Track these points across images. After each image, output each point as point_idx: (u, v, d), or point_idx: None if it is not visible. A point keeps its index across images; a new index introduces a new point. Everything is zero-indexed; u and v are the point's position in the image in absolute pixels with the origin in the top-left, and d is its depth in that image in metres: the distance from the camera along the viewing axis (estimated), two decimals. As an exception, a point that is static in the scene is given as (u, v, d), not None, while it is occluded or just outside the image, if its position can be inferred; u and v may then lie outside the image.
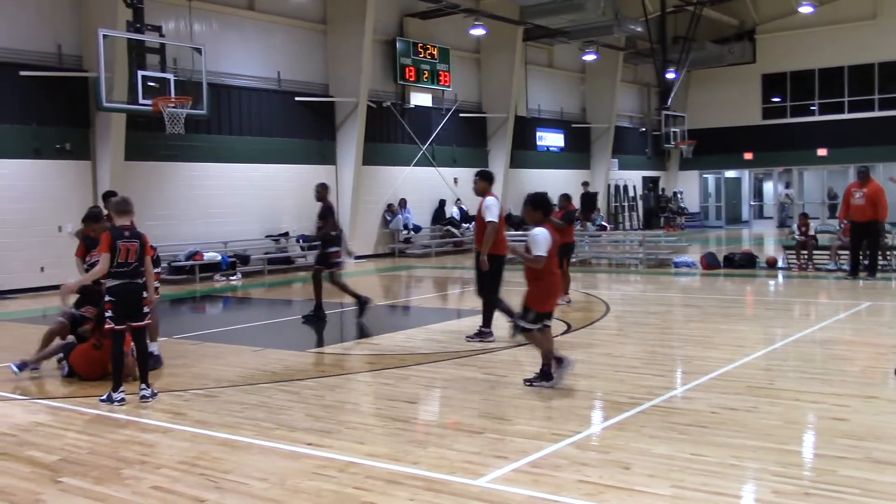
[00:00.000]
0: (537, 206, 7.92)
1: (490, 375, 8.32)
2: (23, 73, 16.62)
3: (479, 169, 10.45)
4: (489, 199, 9.98)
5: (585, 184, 30.99)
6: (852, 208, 15.69)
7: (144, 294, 7.74)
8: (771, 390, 7.30)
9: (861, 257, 16.02)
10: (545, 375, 7.67)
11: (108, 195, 10.56)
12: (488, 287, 10.15)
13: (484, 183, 10.23)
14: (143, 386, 7.68)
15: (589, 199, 30.63)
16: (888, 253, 16.96)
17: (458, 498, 4.91)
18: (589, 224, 28.03)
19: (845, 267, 16.38)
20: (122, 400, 7.52)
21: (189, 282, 18.48)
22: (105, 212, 9.33)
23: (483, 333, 10.20)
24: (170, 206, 19.14)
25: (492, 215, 9.85)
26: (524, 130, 30.59)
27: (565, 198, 14.44)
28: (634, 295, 15.46)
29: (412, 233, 25.00)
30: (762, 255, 19.23)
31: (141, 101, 15.52)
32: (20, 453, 6.09)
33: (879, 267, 16.10)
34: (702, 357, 8.94)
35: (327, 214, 12.15)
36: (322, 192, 12.41)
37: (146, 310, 7.74)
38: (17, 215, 16.27)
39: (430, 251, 24.76)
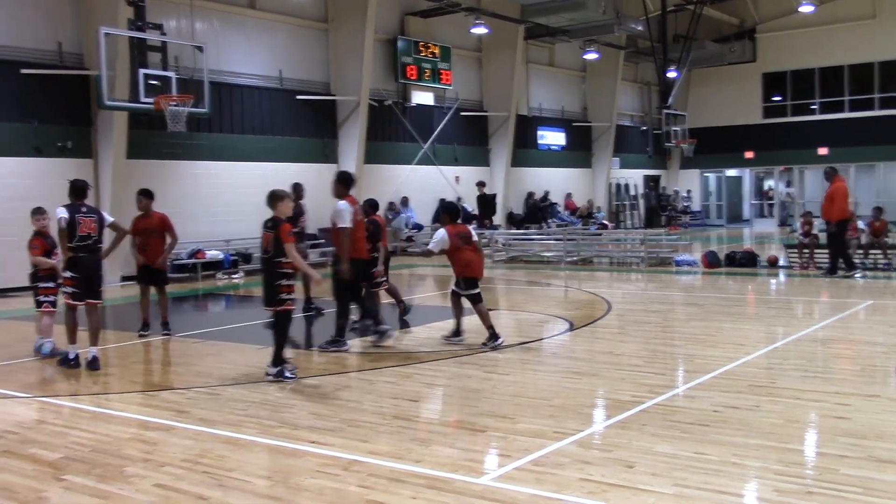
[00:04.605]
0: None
1: (492, 374, 8.33)
2: (24, 70, 16.64)
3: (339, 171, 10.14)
4: (340, 203, 9.64)
5: (481, 184, 26.78)
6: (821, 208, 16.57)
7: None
8: (773, 389, 7.31)
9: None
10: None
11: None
12: (349, 293, 9.93)
13: (339, 186, 9.85)
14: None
15: (486, 201, 26.54)
16: (888, 252, 17.00)
17: (460, 496, 4.92)
18: (484, 229, 24.86)
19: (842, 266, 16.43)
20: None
21: (191, 280, 18.50)
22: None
23: (380, 333, 9.96)
24: (172, 204, 19.03)
25: (344, 221, 9.57)
26: (525, 129, 30.60)
27: (369, 204, 11.43)
28: (636, 293, 15.47)
29: (414, 231, 25.00)
30: (763, 253, 19.24)
31: (142, 99, 15.50)
32: (23, 451, 6.09)
33: (876, 266, 16.24)
34: (703, 356, 8.94)
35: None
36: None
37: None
38: (18, 213, 16.16)
39: (431, 250, 24.70)
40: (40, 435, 6.54)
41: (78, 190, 9.34)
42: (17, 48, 16.81)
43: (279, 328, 8.27)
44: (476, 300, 9.85)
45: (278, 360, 8.26)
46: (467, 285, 9.89)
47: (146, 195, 11.61)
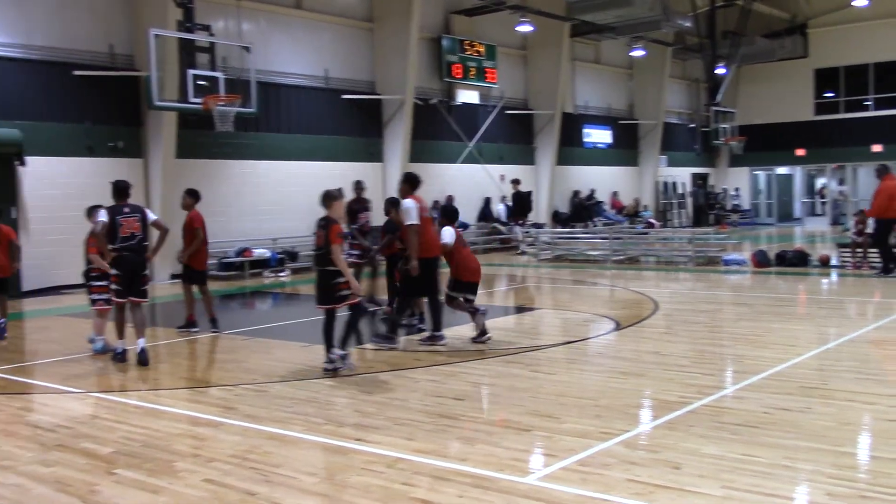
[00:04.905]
0: None
1: (538, 373, 8.30)
2: (76, 72, 16.97)
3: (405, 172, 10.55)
4: (406, 202, 9.84)
5: (516, 181, 25.79)
6: None
7: None
8: (824, 391, 7.17)
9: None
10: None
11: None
12: (426, 289, 9.99)
13: (405, 186, 10.12)
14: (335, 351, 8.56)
15: (521, 199, 25.63)
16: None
17: (506, 495, 4.90)
18: (518, 228, 24.66)
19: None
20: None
21: (239, 278, 18.72)
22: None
23: (435, 337, 9.95)
24: (220, 203, 19.38)
25: (410, 218, 9.70)
26: (571, 127, 30.42)
27: (389, 203, 11.86)
28: (683, 293, 15.29)
29: (459, 230, 24.93)
30: (815, 252, 18.90)
31: (191, 99, 15.69)
32: (76, 445, 6.22)
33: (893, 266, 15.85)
34: (753, 356, 8.80)
35: None
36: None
37: None
38: (72, 212, 16.50)
39: (476, 248, 24.71)
40: (93, 429, 6.67)
41: (119, 190, 9.59)
42: (70, 50, 17.15)
43: (353, 318, 8.64)
44: (450, 300, 10.14)
45: (344, 346, 8.59)
46: (458, 288, 10.14)
47: (189, 194, 11.79)
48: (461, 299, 10.11)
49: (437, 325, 9.99)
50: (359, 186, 13.55)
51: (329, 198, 8.60)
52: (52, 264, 16.46)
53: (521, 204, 25.43)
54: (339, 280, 8.39)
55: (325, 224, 8.40)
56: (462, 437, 6.17)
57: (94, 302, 10.17)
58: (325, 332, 8.58)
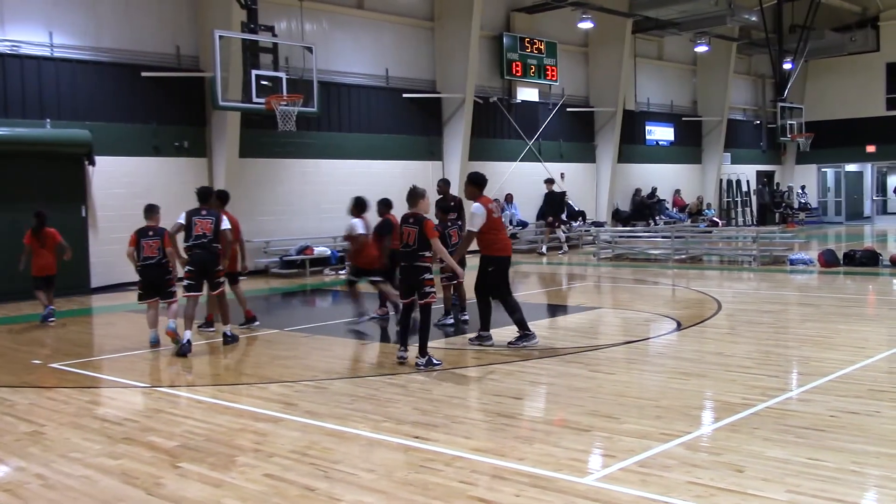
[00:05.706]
0: None
1: (597, 373, 8.22)
2: (144, 73, 17.35)
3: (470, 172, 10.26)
4: (474, 206, 9.52)
5: (549, 181, 24.44)
6: None
7: None
8: (895, 394, 6.97)
9: None
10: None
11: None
12: (499, 289, 9.75)
13: (471, 187, 9.77)
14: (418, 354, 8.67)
15: (553, 199, 24.23)
16: None
17: (564, 495, 4.87)
18: (560, 230, 23.87)
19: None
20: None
21: (300, 276, 18.93)
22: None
23: (482, 337, 9.82)
24: (281, 201, 19.66)
25: (473, 225, 9.48)
26: (633, 124, 30.08)
27: (383, 204, 11.89)
28: (747, 293, 15.01)
29: (519, 228, 24.89)
30: (886, 252, 18.37)
31: (255, 99, 15.95)
32: (142, 438, 6.36)
33: None
34: (819, 358, 8.60)
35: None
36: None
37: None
38: (138, 211, 16.70)
39: (536, 247, 24.61)
40: (158, 423, 6.81)
41: (200, 196, 10.56)
42: (138, 52, 17.54)
43: (424, 320, 8.66)
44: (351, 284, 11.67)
45: (425, 350, 8.59)
46: (360, 274, 11.57)
47: (216, 196, 11.58)
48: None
49: (486, 325, 9.89)
50: (445, 185, 13.01)
51: (415, 195, 8.79)
52: (119, 261, 16.76)
53: (552, 204, 24.14)
54: (425, 276, 8.53)
55: (417, 221, 8.56)
56: (520, 436, 6.14)
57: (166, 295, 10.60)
58: (401, 325, 8.83)
